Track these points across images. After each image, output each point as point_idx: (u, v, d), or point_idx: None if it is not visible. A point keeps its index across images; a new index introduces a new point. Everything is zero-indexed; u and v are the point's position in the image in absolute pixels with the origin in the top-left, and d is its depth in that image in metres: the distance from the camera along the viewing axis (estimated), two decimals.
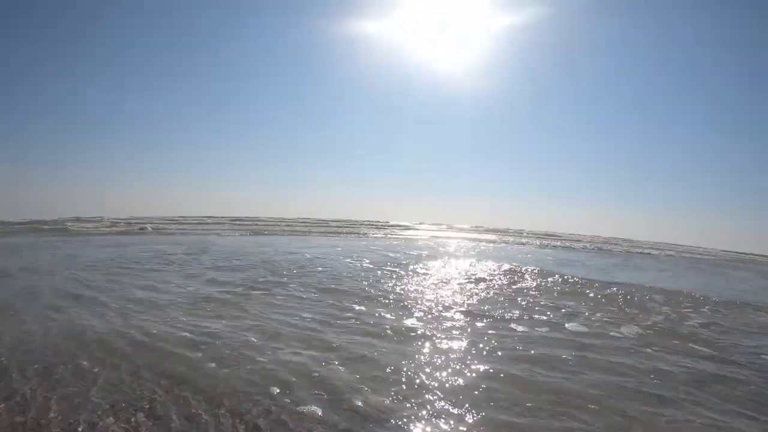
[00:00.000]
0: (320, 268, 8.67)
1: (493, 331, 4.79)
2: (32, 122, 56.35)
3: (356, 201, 69.29)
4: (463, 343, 4.31)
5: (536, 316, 5.57)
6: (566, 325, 5.21)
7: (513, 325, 5.08)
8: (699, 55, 55.73)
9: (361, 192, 70.85)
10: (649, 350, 4.42)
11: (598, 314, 5.88)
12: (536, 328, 5.01)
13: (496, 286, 7.64)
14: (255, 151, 72.08)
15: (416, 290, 6.87)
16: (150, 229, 18.41)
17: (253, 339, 4.16)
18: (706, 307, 6.85)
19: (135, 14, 56.84)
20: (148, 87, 62.88)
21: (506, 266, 10.07)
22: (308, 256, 10.74)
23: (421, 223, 41.21)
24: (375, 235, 22.11)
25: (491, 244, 20.42)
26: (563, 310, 5.98)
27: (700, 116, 64.21)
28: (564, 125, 72.01)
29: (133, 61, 60.23)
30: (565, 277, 8.93)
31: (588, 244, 25.61)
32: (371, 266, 9.37)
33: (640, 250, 22.48)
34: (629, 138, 69.49)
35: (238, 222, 27.03)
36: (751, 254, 32.51)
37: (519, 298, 6.62)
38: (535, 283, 8.03)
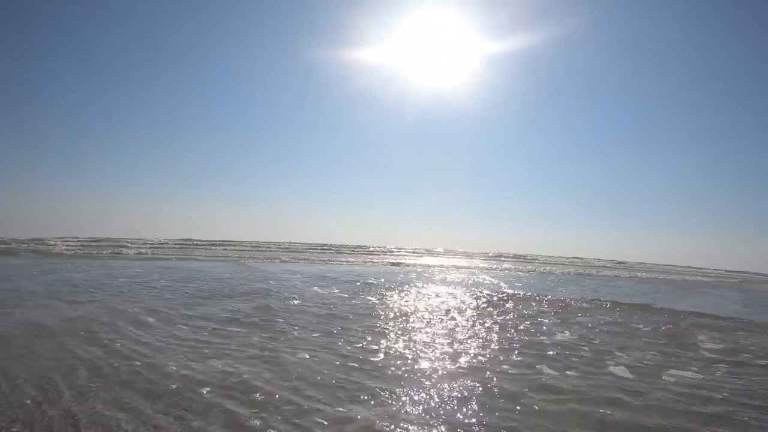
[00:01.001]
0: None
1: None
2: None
3: (339, 223, 67.73)
4: None
5: None
6: None
7: None
8: (695, 80, 56.85)
9: (343, 214, 68.80)
10: None
11: None
12: None
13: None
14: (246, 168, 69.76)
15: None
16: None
17: None
18: None
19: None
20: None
21: None
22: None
23: (442, 253, 39.19)
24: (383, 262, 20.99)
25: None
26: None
27: (695, 138, 64.25)
28: (550, 149, 71.61)
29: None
30: None
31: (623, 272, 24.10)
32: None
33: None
34: (616, 162, 69.05)
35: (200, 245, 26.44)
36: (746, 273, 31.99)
37: None
38: None
